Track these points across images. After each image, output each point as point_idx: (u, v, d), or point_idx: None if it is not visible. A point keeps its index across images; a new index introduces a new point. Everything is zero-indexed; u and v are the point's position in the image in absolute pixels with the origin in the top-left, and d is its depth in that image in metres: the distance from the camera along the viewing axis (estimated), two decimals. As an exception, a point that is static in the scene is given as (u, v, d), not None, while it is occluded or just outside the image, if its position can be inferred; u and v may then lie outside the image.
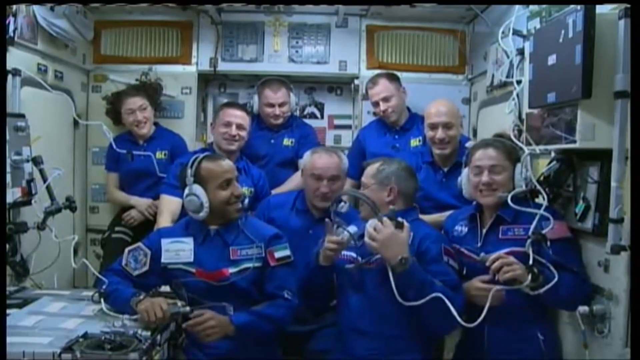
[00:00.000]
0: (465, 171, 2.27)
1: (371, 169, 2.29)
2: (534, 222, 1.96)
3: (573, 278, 1.93)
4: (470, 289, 2.09)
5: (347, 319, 2.20)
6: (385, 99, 3.13)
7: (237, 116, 2.98)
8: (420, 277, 1.96)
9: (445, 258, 2.11)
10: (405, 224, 2.03)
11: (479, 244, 2.16)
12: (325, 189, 2.62)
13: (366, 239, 2.02)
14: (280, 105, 3.29)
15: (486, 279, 2.05)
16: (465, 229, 2.25)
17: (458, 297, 1.98)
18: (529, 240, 1.96)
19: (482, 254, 2.00)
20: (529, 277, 1.88)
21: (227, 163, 2.28)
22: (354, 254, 2.20)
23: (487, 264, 1.95)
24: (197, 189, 2.18)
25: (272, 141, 3.34)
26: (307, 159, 2.75)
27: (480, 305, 1.94)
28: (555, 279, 1.87)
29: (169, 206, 2.86)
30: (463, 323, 1.91)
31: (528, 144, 2.11)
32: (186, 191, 2.21)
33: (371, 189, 2.24)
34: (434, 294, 1.90)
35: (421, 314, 1.98)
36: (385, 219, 2.01)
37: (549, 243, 1.95)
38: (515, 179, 2.11)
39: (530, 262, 1.92)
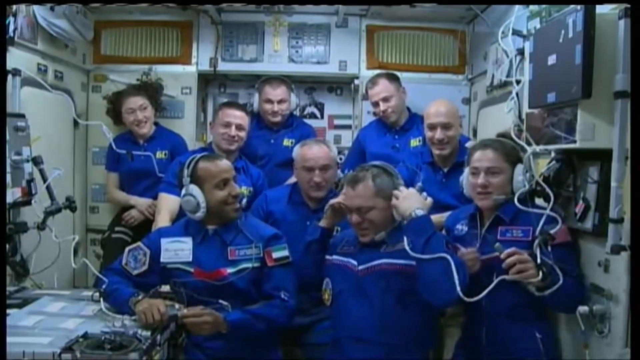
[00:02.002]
0: (466, 171, 2.27)
1: (366, 188, 2.15)
2: (541, 221, 1.94)
3: (573, 283, 1.93)
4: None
5: (345, 326, 2.16)
6: (385, 99, 3.14)
7: (237, 116, 2.98)
8: (431, 229, 1.98)
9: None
10: (429, 198, 2.10)
11: (478, 244, 2.16)
12: (319, 179, 2.67)
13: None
14: (279, 102, 3.29)
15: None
16: (465, 229, 2.25)
17: (462, 270, 1.92)
18: (536, 241, 1.93)
19: (497, 244, 1.97)
20: (540, 276, 1.86)
21: (224, 163, 2.28)
22: (353, 261, 2.19)
23: (502, 256, 1.91)
24: (194, 189, 2.18)
25: (272, 141, 3.34)
26: (297, 152, 2.79)
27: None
28: (561, 281, 1.86)
29: (167, 204, 2.86)
30: (462, 296, 1.87)
31: (528, 144, 2.11)
32: (183, 191, 2.21)
33: (378, 209, 2.15)
34: (440, 254, 1.90)
35: (425, 273, 1.95)
36: (411, 188, 2.09)
37: (549, 248, 1.94)
38: (514, 181, 2.11)
39: (538, 261, 1.89)
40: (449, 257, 1.89)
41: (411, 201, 2.03)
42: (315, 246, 2.31)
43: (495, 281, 1.90)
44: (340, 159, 3.71)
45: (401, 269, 2.09)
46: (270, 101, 3.29)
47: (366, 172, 2.19)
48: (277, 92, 3.29)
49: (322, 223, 2.34)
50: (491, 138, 2.33)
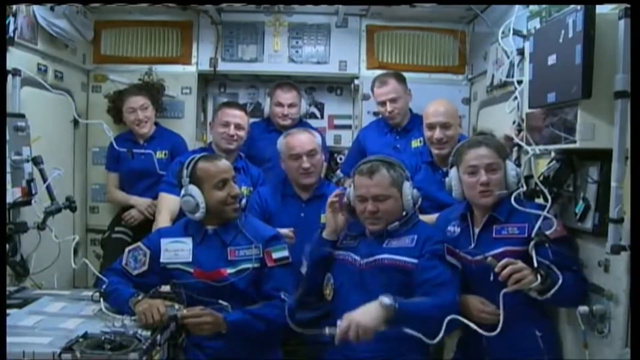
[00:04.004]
0: (453, 172, 2.22)
1: (382, 177, 2.17)
2: (537, 224, 1.95)
3: (573, 276, 1.93)
4: (471, 308, 2.08)
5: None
6: (393, 100, 3.12)
7: (236, 116, 2.98)
8: (409, 315, 1.90)
9: (448, 258, 2.11)
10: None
11: (473, 245, 2.15)
12: (307, 164, 2.68)
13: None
14: (290, 106, 3.31)
15: (489, 310, 2.05)
16: (457, 230, 2.24)
17: (448, 295, 1.99)
18: (532, 242, 1.94)
19: (490, 258, 1.98)
20: (538, 280, 1.87)
21: (223, 163, 2.28)
22: (355, 255, 2.21)
23: (497, 270, 1.91)
24: (193, 189, 2.19)
25: None
26: (282, 142, 2.79)
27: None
28: (560, 281, 1.86)
29: (167, 204, 2.86)
30: (482, 331, 1.88)
31: (528, 143, 2.11)
32: (182, 192, 2.21)
33: (394, 199, 2.17)
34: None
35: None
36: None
37: (547, 244, 1.94)
38: (509, 176, 2.10)
39: (535, 264, 1.90)
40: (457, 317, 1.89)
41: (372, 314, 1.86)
42: (323, 262, 2.30)
43: (501, 299, 1.89)
44: (340, 159, 3.72)
45: (402, 266, 2.11)
46: (281, 104, 3.31)
47: (379, 163, 2.21)
48: (287, 96, 3.32)
49: (327, 235, 2.30)
50: (479, 135, 2.32)
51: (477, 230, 2.16)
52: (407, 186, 2.20)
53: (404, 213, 2.21)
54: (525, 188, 2.09)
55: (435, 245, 2.13)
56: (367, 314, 1.86)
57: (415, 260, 2.10)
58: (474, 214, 2.20)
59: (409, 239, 2.16)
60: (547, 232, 1.94)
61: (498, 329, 1.86)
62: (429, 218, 2.62)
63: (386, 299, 1.86)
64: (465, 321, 1.91)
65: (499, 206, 2.09)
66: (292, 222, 2.63)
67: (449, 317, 1.86)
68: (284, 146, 2.76)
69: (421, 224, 2.26)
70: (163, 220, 2.80)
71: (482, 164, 2.12)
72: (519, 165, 2.22)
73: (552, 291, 1.87)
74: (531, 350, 2.04)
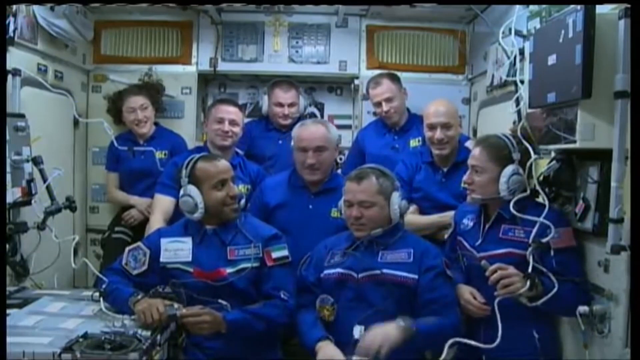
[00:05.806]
0: None
1: (370, 184, 2.17)
2: (534, 230, 1.95)
3: (574, 289, 1.93)
4: (461, 296, 2.12)
5: (346, 332, 2.11)
6: (388, 100, 3.12)
7: (230, 112, 2.95)
8: (426, 334, 1.98)
9: (447, 272, 2.12)
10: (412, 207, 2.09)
11: (479, 241, 2.16)
12: (312, 160, 2.56)
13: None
14: (290, 105, 3.31)
15: (475, 303, 2.10)
16: (471, 223, 2.25)
17: (451, 316, 2.05)
18: (529, 249, 1.94)
19: (484, 262, 1.99)
20: (527, 285, 1.88)
21: (222, 163, 2.27)
22: (351, 271, 2.16)
23: (487, 274, 1.94)
24: (192, 189, 2.18)
25: (280, 142, 3.31)
26: (295, 132, 2.71)
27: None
28: (555, 290, 1.87)
29: (161, 206, 2.84)
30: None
31: (532, 145, 2.10)
32: (181, 192, 2.21)
33: (379, 207, 2.16)
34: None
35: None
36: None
37: (552, 252, 1.94)
38: (500, 182, 2.07)
39: (530, 270, 1.90)
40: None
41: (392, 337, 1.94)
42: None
43: (496, 306, 1.91)
44: (340, 159, 3.71)
45: (402, 281, 2.11)
46: (281, 105, 3.31)
47: (369, 171, 2.22)
48: (287, 95, 3.31)
49: None
50: (487, 135, 2.31)
51: (486, 227, 2.17)
52: (395, 196, 2.18)
53: (391, 223, 2.19)
54: (528, 192, 2.08)
55: (434, 260, 2.12)
56: (387, 337, 1.92)
57: (414, 276, 2.10)
58: (488, 210, 2.20)
59: (405, 253, 2.14)
60: (545, 240, 1.93)
61: (497, 342, 1.88)
62: (434, 218, 2.62)
63: (403, 322, 1.94)
64: (466, 341, 1.95)
65: (507, 205, 2.08)
66: (301, 215, 2.56)
67: (450, 341, 1.92)
68: (295, 136, 2.67)
69: (414, 238, 2.25)
70: (156, 222, 2.76)
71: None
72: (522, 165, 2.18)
73: (543, 300, 1.88)
74: (527, 350, 2.04)
